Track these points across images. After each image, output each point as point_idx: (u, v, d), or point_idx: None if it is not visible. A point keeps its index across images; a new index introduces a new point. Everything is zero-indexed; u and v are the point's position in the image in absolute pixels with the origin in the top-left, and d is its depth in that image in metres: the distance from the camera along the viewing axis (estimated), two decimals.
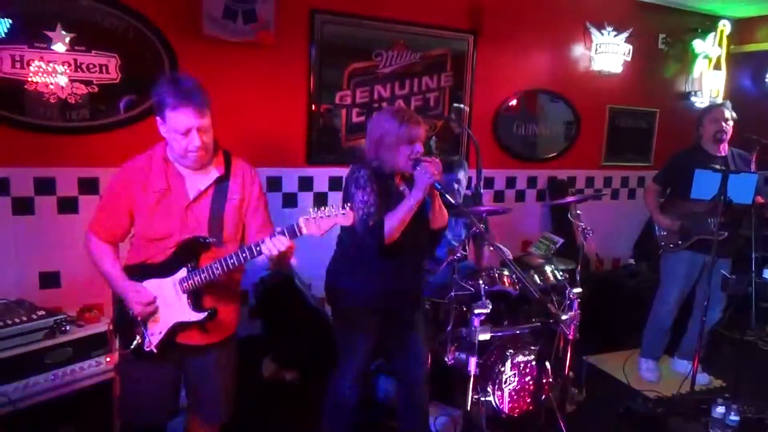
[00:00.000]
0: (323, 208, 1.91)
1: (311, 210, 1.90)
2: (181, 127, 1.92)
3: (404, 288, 2.56)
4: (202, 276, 2.01)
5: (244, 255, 1.96)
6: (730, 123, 3.66)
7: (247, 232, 2.18)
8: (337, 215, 1.90)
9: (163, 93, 1.91)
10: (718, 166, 3.41)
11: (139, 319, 2.07)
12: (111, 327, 2.66)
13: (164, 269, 2.06)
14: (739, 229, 3.66)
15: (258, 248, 1.94)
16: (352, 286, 2.51)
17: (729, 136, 3.68)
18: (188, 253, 2.04)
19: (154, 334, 2.08)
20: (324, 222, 1.89)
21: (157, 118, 1.98)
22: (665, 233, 3.81)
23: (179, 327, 2.08)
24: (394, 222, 2.29)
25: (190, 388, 2.29)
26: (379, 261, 2.43)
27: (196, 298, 2.06)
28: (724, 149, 3.71)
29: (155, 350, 2.07)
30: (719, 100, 5.40)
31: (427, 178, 2.25)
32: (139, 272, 2.08)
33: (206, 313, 2.06)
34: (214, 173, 2.09)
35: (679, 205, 3.71)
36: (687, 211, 3.65)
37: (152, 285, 2.06)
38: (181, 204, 2.05)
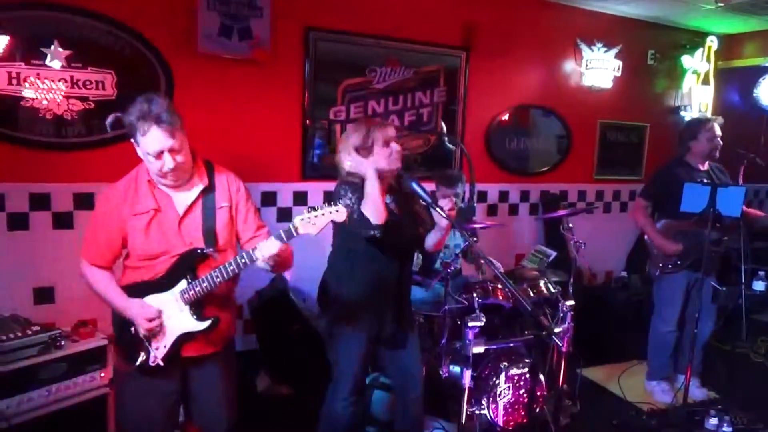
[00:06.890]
0: (318, 207, 1.94)
1: (305, 211, 1.94)
2: (153, 149, 1.96)
3: (390, 298, 2.58)
4: (203, 286, 2.04)
5: (243, 261, 2.00)
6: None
7: (241, 237, 2.22)
8: (332, 212, 1.93)
9: (133, 119, 1.96)
10: (705, 180, 3.43)
11: (147, 336, 2.08)
12: (113, 344, 2.66)
13: (163, 284, 2.08)
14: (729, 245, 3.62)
15: (254, 253, 1.97)
16: (339, 293, 2.56)
17: None
18: (186, 265, 2.07)
19: (159, 348, 2.09)
20: (319, 220, 1.92)
21: (132, 141, 2.03)
22: (662, 254, 3.69)
23: (184, 338, 2.10)
24: (367, 201, 2.34)
25: (191, 400, 2.28)
26: (364, 269, 2.50)
27: (198, 308, 2.10)
28: (705, 164, 3.69)
29: (162, 363, 2.09)
30: (709, 114, 5.48)
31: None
32: (138, 290, 2.10)
33: (210, 322, 2.10)
34: (198, 186, 2.13)
35: (675, 226, 3.62)
36: (684, 231, 3.56)
37: (153, 300, 2.08)
38: (173, 221, 2.09)
